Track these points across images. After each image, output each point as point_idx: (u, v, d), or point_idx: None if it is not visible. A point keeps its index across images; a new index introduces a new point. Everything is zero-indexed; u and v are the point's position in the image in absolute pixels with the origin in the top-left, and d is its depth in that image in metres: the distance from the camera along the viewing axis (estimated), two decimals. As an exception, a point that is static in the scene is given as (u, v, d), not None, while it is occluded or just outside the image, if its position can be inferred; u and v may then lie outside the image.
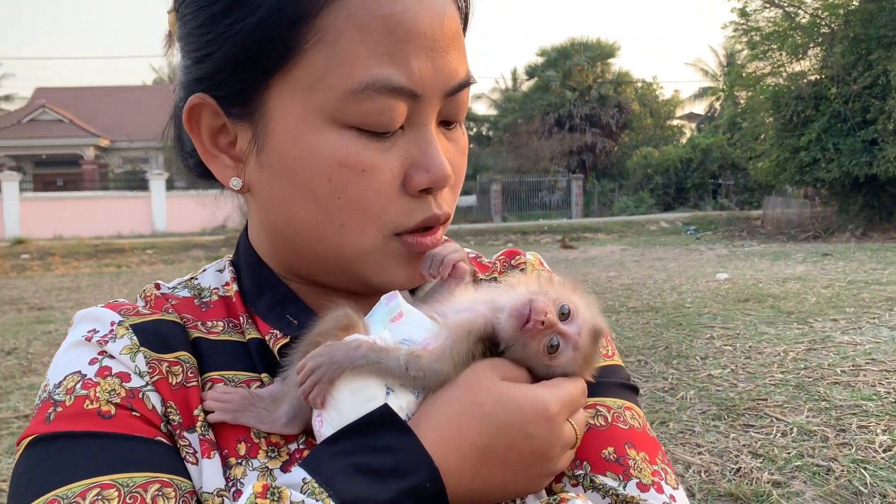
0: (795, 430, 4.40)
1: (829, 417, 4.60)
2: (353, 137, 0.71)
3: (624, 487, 0.75)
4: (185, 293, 0.86)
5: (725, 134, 31.02)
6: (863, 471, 3.76)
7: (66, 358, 0.75)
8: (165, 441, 0.71)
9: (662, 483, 0.76)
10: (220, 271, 0.90)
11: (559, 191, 34.50)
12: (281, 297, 0.83)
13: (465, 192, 33.98)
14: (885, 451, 3.99)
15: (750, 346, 6.67)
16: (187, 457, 0.72)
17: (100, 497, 0.63)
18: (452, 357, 0.70)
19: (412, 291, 0.85)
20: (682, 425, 4.61)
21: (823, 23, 21.49)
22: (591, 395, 0.79)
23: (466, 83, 0.77)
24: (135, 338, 0.75)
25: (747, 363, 6.08)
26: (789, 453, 4.04)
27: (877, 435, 4.23)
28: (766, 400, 5.03)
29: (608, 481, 0.75)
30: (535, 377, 0.73)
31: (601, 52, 39.59)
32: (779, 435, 4.34)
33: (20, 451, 0.69)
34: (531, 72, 40.73)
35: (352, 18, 0.69)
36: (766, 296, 9.54)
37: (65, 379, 0.72)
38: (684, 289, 10.71)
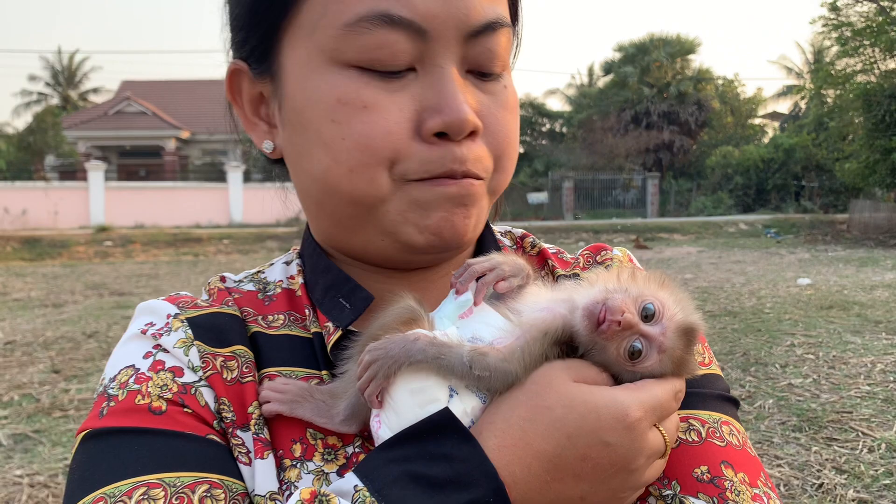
0: (884, 445, 4.15)
1: (922, 435, 4.32)
2: (355, 75, 0.67)
3: None
4: (250, 287, 0.83)
5: (810, 134, 29.89)
6: (958, 493, 3.51)
7: (123, 351, 0.73)
8: (217, 439, 0.67)
9: None
10: (288, 263, 0.87)
11: (634, 189, 33.86)
12: (333, 279, 0.78)
13: (536, 189, 33.72)
14: (983, 474, 3.72)
15: (834, 356, 6.35)
16: (240, 457, 0.68)
17: (146, 496, 0.61)
18: (523, 357, 0.62)
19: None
20: (760, 435, 4.41)
21: (921, 18, 20.45)
22: (683, 407, 0.70)
23: (495, 23, 0.69)
24: (189, 331, 0.72)
25: (831, 373, 5.79)
26: (877, 470, 3.81)
27: (974, 455, 3.95)
28: (852, 413, 4.77)
29: None
30: (620, 382, 0.65)
31: (681, 48, 38.63)
32: (865, 450, 4.10)
33: (75, 445, 0.68)
34: (608, 68, 40.08)
35: None
36: (851, 303, 9.11)
37: (119, 373, 0.71)
38: (763, 293, 10.33)
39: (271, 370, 0.73)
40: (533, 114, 38.99)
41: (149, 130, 35.48)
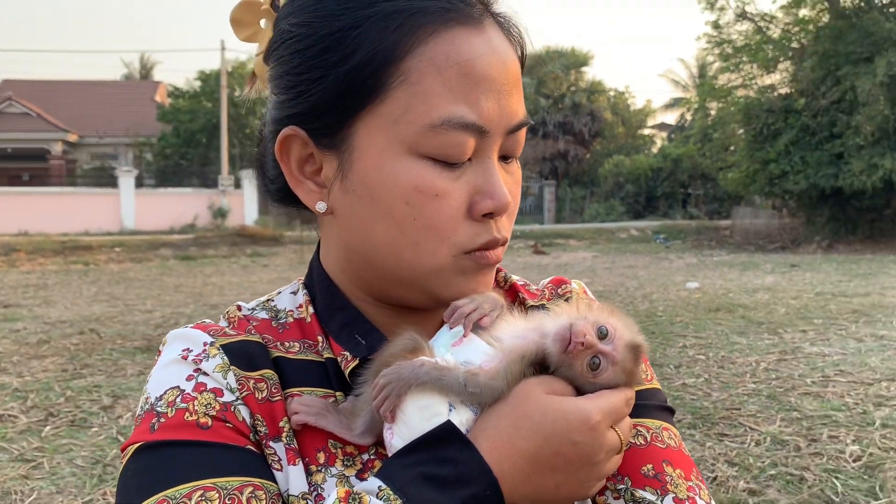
0: (769, 439, 4.48)
1: (800, 427, 4.69)
2: (429, 166, 0.80)
3: (661, 501, 0.82)
4: (263, 315, 0.93)
5: (696, 144, 31.46)
6: (834, 480, 3.85)
7: (166, 374, 0.83)
8: (254, 449, 0.79)
9: (696, 498, 0.83)
10: (294, 293, 0.97)
11: (532, 196, 34.71)
12: (351, 318, 0.90)
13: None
14: (854, 461, 4.09)
15: (722, 356, 6.78)
16: (273, 464, 0.79)
17: (204, 498, 0.72)
18: (506, 376, 0.76)
19: None
20: (658, 433, 4.67)
21: (794, 38, 21.94)
22: (633, 416, 0.86)
23: (525, 123, 0.86)
24: (225, 357, 0.83)
25: (720, 373, 6.18)
26: (763, 462, 4.12)
27: (847, 445, 4.33)
28: (740, 409, 5.12)
29: (647, 495, 0.83)
30: (583, 393, 0.79)
31: (575, 61, 39.93)
32: (753, 444, 4.42)
33: (127, 456, 0.78)
34: (506, 78, 40.85)
35: (432, 62, 0.78)
36: (736, 306, 9.70)
37: (165, 393, 0.80)
38: (655, 297, 10.85)
39: (294, 390, 0.84)
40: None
41: (33, 133, 33.70)
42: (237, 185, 30.26)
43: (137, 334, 8.42)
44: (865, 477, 3.89)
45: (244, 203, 29.85)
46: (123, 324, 9.20)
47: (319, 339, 0.89)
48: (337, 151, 0.84)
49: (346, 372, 0.85)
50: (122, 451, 0.79)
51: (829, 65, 20.10)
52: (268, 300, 0.97)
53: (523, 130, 0.88)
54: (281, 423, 0.81)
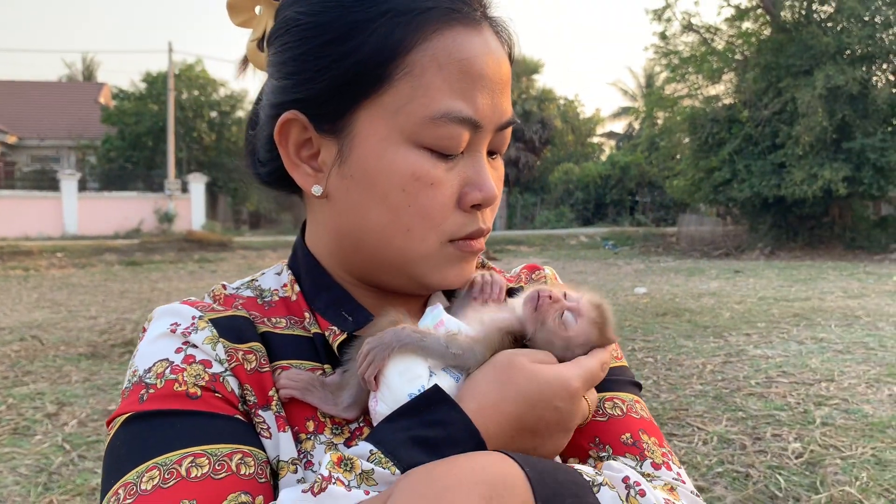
0: (715, 438, 4.60)
1: (745, 426, 4.82)
2: (426, 156, 0.85)
3: (640, 466, 0.88)
4: (248, 293, 0.96)
5: (643, 153, 32.05)
6: (778, 476, 3.97)
7: (154, 347, 0.85)
8: (242, 419, 0.82)
9: (670, 462, 0.90)
10: (279, 274, 1.00)
11: (483, 203, 34.88)
12: (337, 297, 0.94)
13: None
14: (797, 458, 4.22)
15: (670, 359, 6.92)
16: (262, 432, 0.82)
17: (194, 464, 0.74)
18: (486, 342, 0.82)
19: (449, 298, 0.97)
20: (609, 434, 4.75)
21: (738, 50, 22.53)
22: (608, 389, 0.94)
23: (513, 122, 0.92)
24: (214, 330, 0.85)
25: (668, 374, 6.30)
26: (710, 461, 4.22)
27: (789, 443, 4.47)
28: (688, 410, 5.23)
29: (628, 461, 0.88)
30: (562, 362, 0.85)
31: (526, 68, 40.31)
32: (700, 443, 4.53)
33: (115, 427, 0.80)
34: (457, 84, 41.06)
35: (435, 58, 0.83)
36: (683, 310, 9.91)
37: (154, 365, 0.82)
38: (606, 302, 11.00)
39: (282, 362, 0.88)
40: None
41: (-31, 134, 32.63)
42: (184, 189, 29.74)
43: (82, 340, 8.22)
44: (807, 473, 4.02)
45: (191, 208, 29.36)
46: (67, 330, 8.97)
47: (306, 315, 0.93)
48: (337, 137, 0.87)
49: (335, 345, 0.89)
50: (108, 424, 0.81)
51: (771, 77, 20.71)
52: (251, 280, 1.00)
53: (510, 129, 0.93)
54: (270, 393, 0.84)
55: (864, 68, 19.12)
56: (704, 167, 22.01)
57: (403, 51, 0.82)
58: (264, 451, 0.81)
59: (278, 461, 0.81)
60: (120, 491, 0.74)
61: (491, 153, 0.92)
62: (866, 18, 19.48)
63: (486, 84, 0.85)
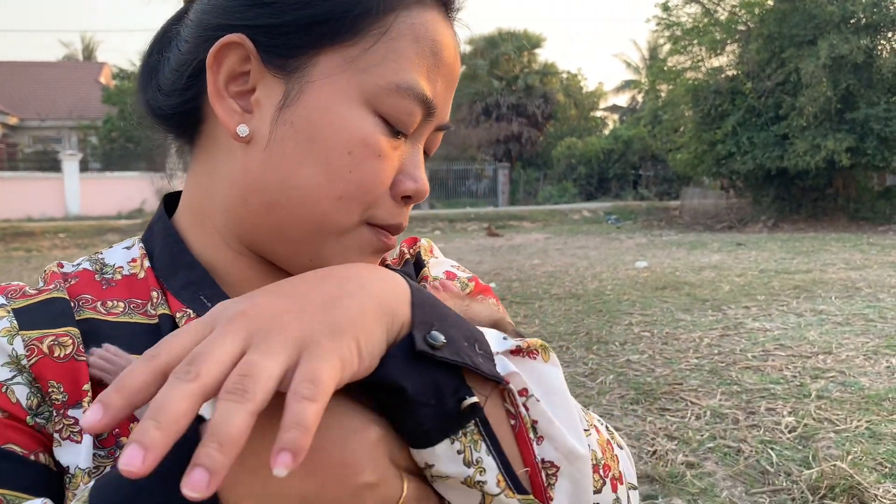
0: (709, 413, 4.56)
1: (739, 401, 4.78)
2: (380, 125, 0.77)
3: None
4: (87, 266, 0.83)
5: (646, 126, 31.80)
6: (770, 451, 3.93)
7: None
8: (16, 449, 0.67)
9: None
10: (129, 248, 0.86)
11: (486, 179, 34.74)
12: (197, 278, 0.81)
13: (391, 179, 33.88)
14: (790, 432, 4.18)
15: (667, 333, 6.87)
16: (72, 436, 0.69)
17: None
18: None
19: None
20: (602, 409, 4.72)
21: (740, 20, 22.25)
22: None
23: (448, 126, 0.87)
24: (15, 321, 0.72)
25: (664, 349, 6.27)
26: (702, 435, 4.19)
27: (783, 417, 4.43)
28: (682, 384, 5.20)
29: None
30: None
31: (528, 42, 39.94)
32: (693, 418, 4.49)
33: None
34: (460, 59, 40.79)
35: (413, 28, 0.77)
36: (682, 284, 9.85)
37: None
38: (605, 276, 10.96)
39: None
40: (386, 103, 39.05)
41: (-31, 116, 32.54)
42: (186, 168, 29.63)
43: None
44: (799, 447, 3.98)
45: (194, 187, 29.24)
46: (64, 310, 8.97)
47: (154, 294, 0.79)
48: (287, 77, 0.76)
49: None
50: None
51: (774, 47, 20.46)
52: (96, 253, 0.86)
53: (441, 135, 0.88)
54: (85, 387, 0.70)
55: (868, 37, 18.84)
56: (707, 140, 21.83)
57: (387, 9, 0.76)
58: (36, 493, 0.66)
59: (77, 469, 0.67)
60: None
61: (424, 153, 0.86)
62: (871, -14, 19.18)
63: (447, 75, 0.81)
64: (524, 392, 0.63)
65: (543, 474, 0.64)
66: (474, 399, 0.60)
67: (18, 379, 0.69)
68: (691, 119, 23.17)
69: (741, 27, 22.21)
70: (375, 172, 0.76)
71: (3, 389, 0.68)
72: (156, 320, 0.77)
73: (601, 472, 0.70)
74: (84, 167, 29.32)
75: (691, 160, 23.04)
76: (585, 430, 0.69)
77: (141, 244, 0.86)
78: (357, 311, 0.58)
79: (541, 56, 41.22)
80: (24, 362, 0.69)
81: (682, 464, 3.81)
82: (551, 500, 0.64)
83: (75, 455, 0.68)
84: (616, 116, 45.20)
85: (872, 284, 9.20)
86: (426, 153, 0.86)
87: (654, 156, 31.85)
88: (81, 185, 27.86)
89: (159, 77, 0.84)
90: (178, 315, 0.77)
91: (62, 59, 47.83)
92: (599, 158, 32.87)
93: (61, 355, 0.71)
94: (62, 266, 0.83)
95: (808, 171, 19.51)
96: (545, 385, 0.66)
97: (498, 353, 0.65)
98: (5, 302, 0.74)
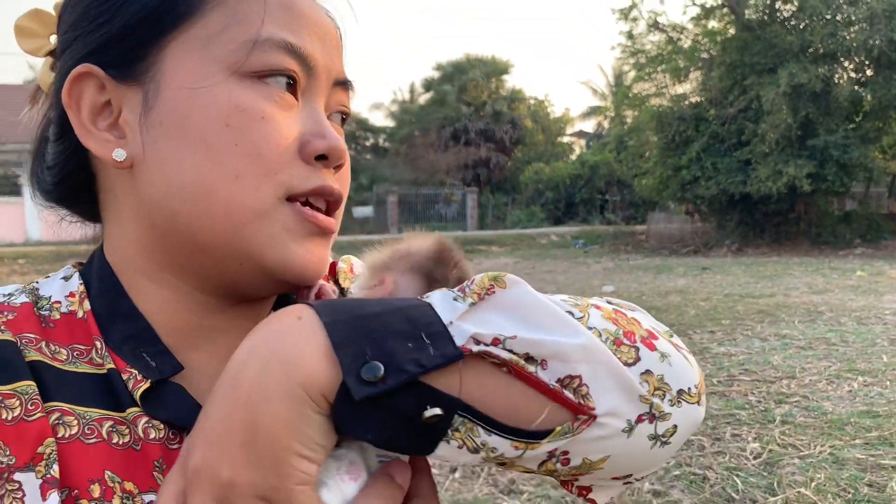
0: (674, 439, 4.54)
1: (705, 427, 4.78)
2: (254, 86, 0.69)
3: None
4: (24, 299, 0.72)
5: (612, 152, 32.17)
6: (735, 478, 3.92)
7: None
8: None
9: None
10: (66, 279, 0.77)
11: (455, 203, 34.84)
12: (136, 331, 0.73)
13: (361, 203, 33.85)
14: (755, 458, 4.18)
15: (633, 358, 6.87)
16: (14, 502, 0.59)
17: None
18: None
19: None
20: (568, 437, 4.68)
21: (703, 48, 22.72)
22: None
23: (351, 83, 0.80)
24: None
25: (631, 374, 6.26)
26: (668, 463, 4.17)
27: (748, 442, 4.43)
28: (648, 410, 5.18)
29: None
30: None
31: (496, 69, 40.35)
32: (659, 445, 4.47)
33: None
34: (428, 85, 41.02)
35: None
36: (649, 308, 9.84)
37: None
38: (573, 301, 10.97)
39: (62, 405, 0.65)
40: (357, 128, 39.12)
41: (-74, 139, 31.87)
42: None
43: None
44: (765, 474, 3.98)
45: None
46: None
47: (97, 343, 0.70)
48: (140, 82, 0.70)
49: (137, 394, 0.68)
50: None
51: (736, 75, 20.88)
52: (32, 283, 0.76)
53: (349, 95, 0.81)
54: (40, 449, 0.61)
55: (826, 66, 19.32)
56: (672, 165, 22.14)
57: None
58: None
59: None
60: None
61: (330, 117, 0.79)
62: (828, 16, 19.71)
63: (312, 28, 0.74)
64: (497, 341, 0.58)
65: (570, 391, 0.59)
66: (436, 410, 0.56)
67: None
68: (656, 145, 23.50)
69: (704, 55, 22.67)
70: (265, 135, 0.68)
71: None
72: (104, 370, 0.69)
73: (627, 340, 0.64)
74: (46, 191, 28.86)
75: (657, 185, 23.34)
76: (580, 318, 0.63)
77: (80, 278, 0.76)
78: (279, 428, 0.55)
79: (508, 82, 41.57)
80: None
81: (649, 492, 3.78)
82: (593, 409, 0.60)
83: None
84: (583, 142, 45.70)
85: (834, 308, 9.33)
86: (342, 116, 0.81)
87: (620, 181, 32.20)
88: (42, 209, 27.39)
89: (45, 153, 0.80)
90: (124, 376, 0.69)
91: (24, 82, 47.25)
92: (567, 183, 33.17)
93: (9, 418, 0.61)
94: None
95: (770, 196, 19.85)
96: (516, 310, 0.60)
97: (452, 321, 0.59)
98: None
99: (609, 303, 0.72)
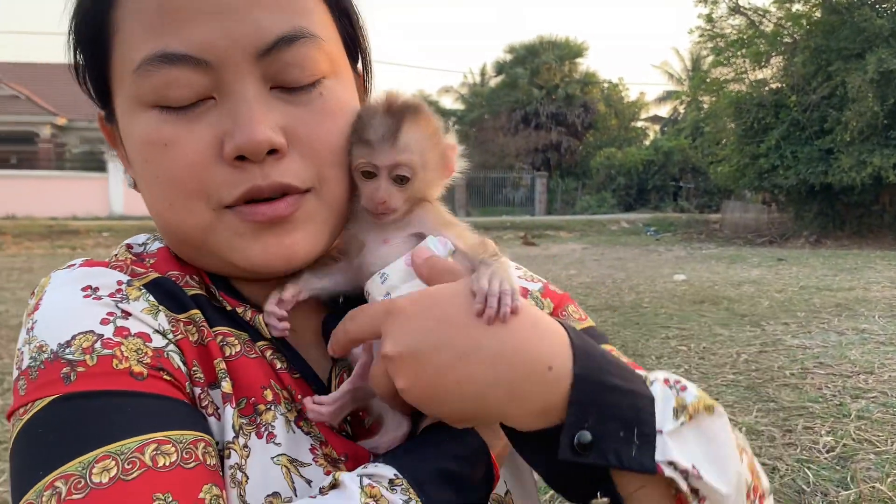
0: (744, 429, 4.50)
1: (776, 418, 4.71)
2: (154, 115, 0.73)
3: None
4: (158, 244, 0.87)
5: (688, 138, 31.49)
6: (806, 470, 3.87)
7: (66, 317, 0.71)
8: (190, 404, 0.72)
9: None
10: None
11: (523, 188, 34.68)
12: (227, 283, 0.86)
13: (429, 186, 33.97)
14: (828, 452, 4.11)
15: (704, 347, 6.80)
16: (213, 414, 0.73)
17: (159, 452, 0.63)
18: None
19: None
20: (635, 422, 4.68)
21: (786, 32, 21.92)
22: None
23: (288, 37, 0.73)
24: (151, 297, 0.76)
25: (700, 363, 6.20)
26: (737, 452, 4.13)
27: (821, 436, 4.35)
28: (718, 400, 5.05)
29: None
30: None
31: (569, 52, 39.85)
32: (728, 434, 4.43)
33: (30, 414, 0.65)
34: (499, 68, 40.83)
35: (132, 7, 0.73)
36: (721, 298, 9.72)
37: (74, 339, 0.68)
38: (642, 289, 10.86)
39: (223, 328, 0.79)
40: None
41: (21, 115, 33.34)
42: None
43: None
44: (838, 468, 3.91)
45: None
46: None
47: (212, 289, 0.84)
48: (116, 123, 0.82)
49: (256, 321, 0.80)
50: (9, 416, 0.68)
51: (821, 60, 20.10)
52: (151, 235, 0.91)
53: (300, 48, 0.74)
54: (217, 366, 0.74)
55: (919, 52, 18.44)
56: (750, 153, 21.52)
57: (104, 9, 0.74)
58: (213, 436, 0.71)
59: (225, 444, 0.71)
60: (59, 483, 0.60)
61: (287, 88, 0.76)
62: (923, -1, 18.78)
63: (199, 9, 0.70)
64: (685, 472, 0.64)
65: None
66: (605, 501, 0.66)
67: (172, 348, 0.73)
68: (734, 131, 22.86)
69: (787, 39, 21.87)
70: (173, 161, 0.72)
71: (165, 355, 0.71)
72: (229, 308, 0.82)
73: (752, 494, 0.72)
74: (129, 168, 29.89)
75: (733, 173, 22.73)
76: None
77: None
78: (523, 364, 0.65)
79: (582, 65, 41.01)
80: (169, 336, 0.73)
81: (716, 480, 3.77)
82: None
83: (218, 431, 0.72)
84: (657, 127, 44.79)
85: (918, 304, 8.99)
86: (292, 85, 0.75)
87: (694, 168, 31.49)
88: (126, 185, 28.41)
89: None
90: (240, 309, 0.82)
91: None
92: (639, 169, 32.61)
93: (193, 341, 0.75)
94: (131, 248, 0.87)
95: (853, 186, 19.11)
96: (710, 443, 0.67)
97: (662, 432, 0.65)
98: (129, 279, 0.77)
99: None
